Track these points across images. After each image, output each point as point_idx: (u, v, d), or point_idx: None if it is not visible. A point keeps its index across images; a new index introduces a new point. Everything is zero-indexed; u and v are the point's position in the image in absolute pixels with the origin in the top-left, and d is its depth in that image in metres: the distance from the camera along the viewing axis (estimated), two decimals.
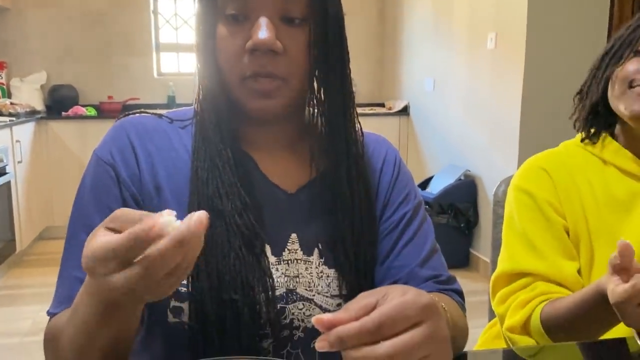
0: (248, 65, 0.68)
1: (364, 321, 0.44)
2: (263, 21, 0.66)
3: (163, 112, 0.79)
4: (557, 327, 0.87)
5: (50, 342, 0.65)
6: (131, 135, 0.73)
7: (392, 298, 0.45)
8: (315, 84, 0.73)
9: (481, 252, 3.39)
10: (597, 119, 1.00)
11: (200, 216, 0.44)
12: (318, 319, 0.44)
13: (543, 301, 0.90)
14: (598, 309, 0.79)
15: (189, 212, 0.68)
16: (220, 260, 0.67)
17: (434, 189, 3.49)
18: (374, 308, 0.45)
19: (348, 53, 0.73)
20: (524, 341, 0.91)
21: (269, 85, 0.68)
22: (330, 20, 0.70)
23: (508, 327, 0.92)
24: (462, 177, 3.44)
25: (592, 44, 2.84)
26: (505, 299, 0.95)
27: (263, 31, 0.66)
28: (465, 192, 3.39)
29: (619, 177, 0.97)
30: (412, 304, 0.45)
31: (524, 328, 0.91)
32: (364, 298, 0.46)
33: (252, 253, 0.69)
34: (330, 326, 0.44)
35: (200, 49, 0.71)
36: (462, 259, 3.47)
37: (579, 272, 0.95)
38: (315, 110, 0.75)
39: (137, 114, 0.77)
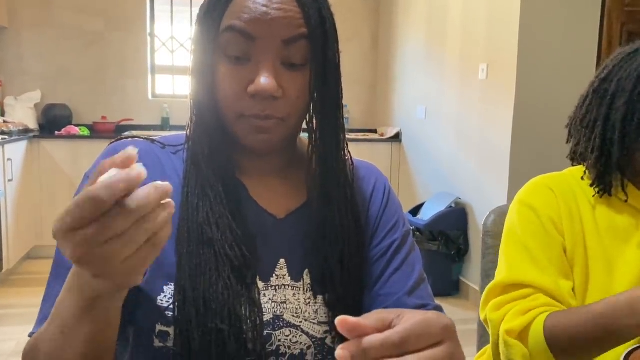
0: (247, 107, 0.69)
1: (389, 334, 0.43)
2: (265, 67, 0.68)
3: (156, 137, 0.80)
4: (563, 336, 0.86)
5: (29, 353, 0.63)
6: None
7: (412, 316, 0.45)
8: (311, 118, 0.75)
9: (471, 280, 3.39)
10: (609, 162, 0.98)
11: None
12: (343, 319, 0.43)
13: (545, 312, 0.89)
14: (624, 320, 0.79)
15: (179, 237, 0.69)
16: (207, 288, 0.67)
17: (425, 215, 3.50)
18: (390, 324, 0.44)
19: (342, 89, 0.75)
20: (519, 348, 0.89)
21: (266, 123, 0.70)
22: (329, 63, 0.72)
23: (507, 329, 0.90)
24: (453, 205, 3.45)
25: (582, 75, 2.90)
26: (501, 306, 0.94)
27: (265, 78, 0.67)
28: (455, 219, 3.41)
29: (622, 206, 0.99)
30: (435, 323, 0.45)
31: (521, 335, 0.90)
32: (380, 313, 0.46)
33: (242, 283, 0.69)
34: (354, 328, 0.43)
35: (197, 79, 0.72)
36: (452, 286, 3.46)
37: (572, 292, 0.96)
38: (311, 143, 0.76)
39: (130, 139, 0.78)
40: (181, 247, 0.69)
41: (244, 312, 0.68)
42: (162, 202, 0.46)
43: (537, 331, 0.88)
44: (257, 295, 0.70)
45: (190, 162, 0.73)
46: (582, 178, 1.02)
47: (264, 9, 0.67)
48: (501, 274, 0.97)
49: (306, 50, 0.70)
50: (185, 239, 0.69)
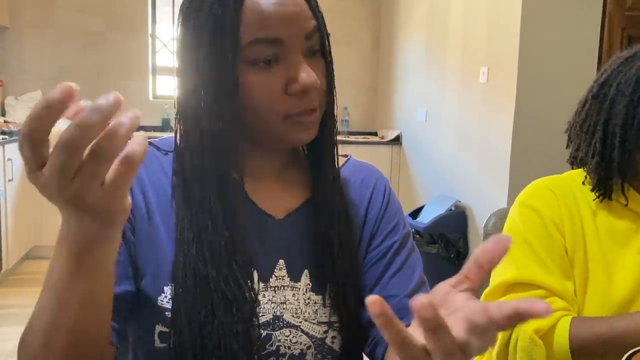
0: (292, 106, 0.69)
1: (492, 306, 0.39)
2: (301, 63, 0.68)
3: (153, 139, 0.79)
4: (593, 347, 0.86)
5: (21, 347, 0.61)
6: None
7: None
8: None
9: None
10: (610, 167, 0.98)
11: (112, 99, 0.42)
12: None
13: (565, 315, 0.90)
14: None
15: (174, 275, 0.68)
16: (202, 327, 0.66)
17: (425, 218, 3.50)
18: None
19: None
20: (543, 349, 0.89)
21: (311, 118, 0.71)
22: (329, 53, 0.74)
23: (536, 329, 0.90)
24: (453, 208, 3.45)
25: (582, 79, 2.89)
26: None
27: (306, 73, 0.67)
28: (455, 222, 3.41)
29: (622, 210, 1.00)
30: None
31: (544, 336, 0.90)
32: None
33: (238, 318, 0.67)
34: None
35: (211, 93, 0.68)
36: None
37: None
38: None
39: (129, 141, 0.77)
40: (177, 285, 0.68)
41: (239, 349, 0.67)
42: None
43: (562, 335, 0.89)
44: (252, 330, 0.69)
45: (181, 178, 0.71)
46: (583, 183, 1.03)
47: (282, 7, 0.67)
48: (507, 273, 0.97)
49: (318, 40, 0.71)
50: (181, 276, 0.68)
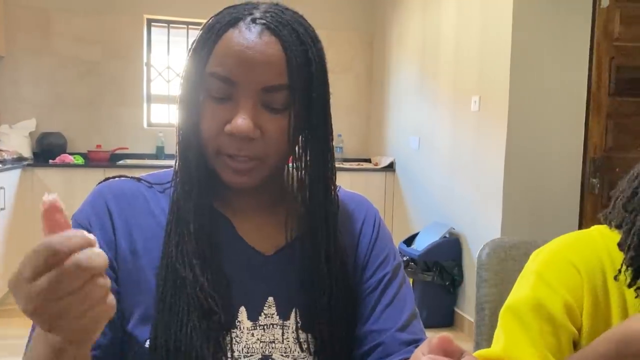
0: (224, 145, 0.70)
1: None
2: (244, 108, 0.68)
3: (143, 175, 0.80)
4: None
5: None
6: (109, 200, 0.74)
7: None
8: (297, 153, 0.75)
9: (466, 311, 3.37)
10: None
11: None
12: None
13: None
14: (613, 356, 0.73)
15: (159, 275, 0.69)
16: (178, 330, 0.67)
17: (419, 246, 3.50)
18: None
19: (331, 129, 0.75)
20: None
21: (243, 165, 0.70)
22: (315, 104, 0.72)
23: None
24: (447, 235, 3.45)
25: (572, 107, 2.94)
26: None
27: (242, 119, 0.67)
28: (450, 250, 3.40)
29: None
30: None
31: None
32: None
33: (211, 326, 0.68)
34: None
35: (184, 113, 0.72)
36: (446, 317, 3.43)
37: None
38: (294, 178, 0.76)
39: (117, 179, 0.78)
40: (159, 286, 0.69)
41: (210, 356, 0.67)
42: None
43: None
44: (224, 340, 0.69)
45: (175, 199, 0.73)
46: (616, 278, 0.87)
47: (249, 52, 0.67)
48: (498, 345, 0.89)
49: (286, 97, 0.69)
50: (163, 277, 0.69)
